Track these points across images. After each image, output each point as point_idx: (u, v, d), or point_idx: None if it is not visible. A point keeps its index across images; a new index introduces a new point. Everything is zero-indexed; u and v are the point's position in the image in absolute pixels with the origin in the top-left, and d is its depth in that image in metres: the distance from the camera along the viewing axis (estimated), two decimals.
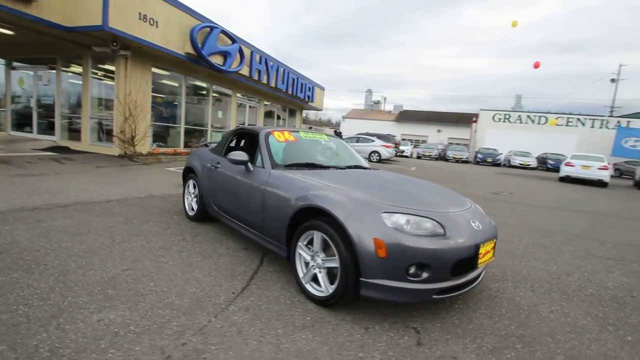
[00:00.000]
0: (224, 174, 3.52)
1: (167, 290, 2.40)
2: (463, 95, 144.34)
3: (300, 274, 2.50)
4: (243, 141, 4.17)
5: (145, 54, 9.26)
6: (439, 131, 40.78)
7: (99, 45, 8.37)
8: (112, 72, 9.49)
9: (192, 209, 4.21)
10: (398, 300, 2.12)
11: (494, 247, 2.48)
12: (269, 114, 17.88)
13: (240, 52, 11.78)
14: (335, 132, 19.74)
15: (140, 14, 8.08)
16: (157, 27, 8.63)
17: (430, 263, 2.06)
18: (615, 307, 2.75)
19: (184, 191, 4.44)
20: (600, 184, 14.22)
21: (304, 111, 22.35)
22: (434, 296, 2.13)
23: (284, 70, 15.15)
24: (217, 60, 10.76)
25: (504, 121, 28.95)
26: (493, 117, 29.38)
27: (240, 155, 3.14)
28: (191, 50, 9.78)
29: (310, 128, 19.50)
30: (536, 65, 18.26)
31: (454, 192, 3.01)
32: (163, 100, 11.22)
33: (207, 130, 12.89)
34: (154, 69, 10.01)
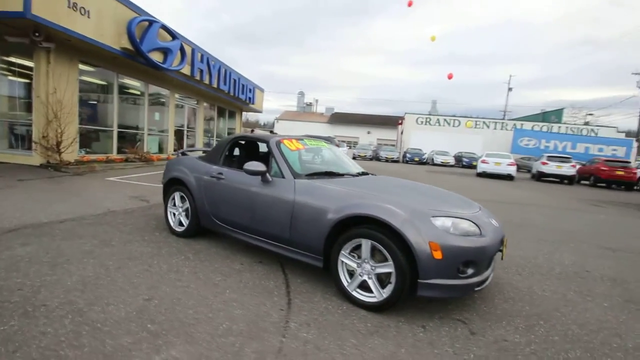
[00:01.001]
0: (231, 186, 3.32)
1: (213, 316, 2.22)
2: (384, 99, 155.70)
3: (345, 283, 2.54)
4: (242, 150, 3.96)
5: (73, 47, 8.03)
6: (369, 132, 43.37)
7: (14, 35, 6.99)
8: (28, 67, 8.00)
9: (181, 224, 3.86)
10: (449, 296, 2.33)
11: None
12: (208, 115, 16.93)
13: (182, 49, 10.98)
14: (270, 132, 19.56)
15: (69, 1, 6.99)
16: (88, 17, 7.56)
17: (476, 260, 2.31)
18: (582, 281, 3.40)
19: (166, 206, 4.04)
20: (509, 177, 16.83)
21: (243, 113, 21.72)
22: (476, 288, 2.39)
23: (225, 71, 14.54)
24: (156, 57, 9.86)
25: (425, 124, 32.17)
26: (417, 120, 32.42)
27: (258, 166, 3.02)
28: (128, 45, 8.79)
29: (252, 131, 19.02)
30: (449, 77, 20.78)
31: (460, 195, 3.35)
32: (92, 100, 9.85)
33: (143, 133, 11.69)
34: (81, 65, 8.72)
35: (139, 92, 11.53)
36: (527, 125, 29.45)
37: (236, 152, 3.98)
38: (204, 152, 5.07)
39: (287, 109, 54.83)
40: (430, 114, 35.44)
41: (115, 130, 10.22)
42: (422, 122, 32.19)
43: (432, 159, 27.14)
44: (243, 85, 16.71)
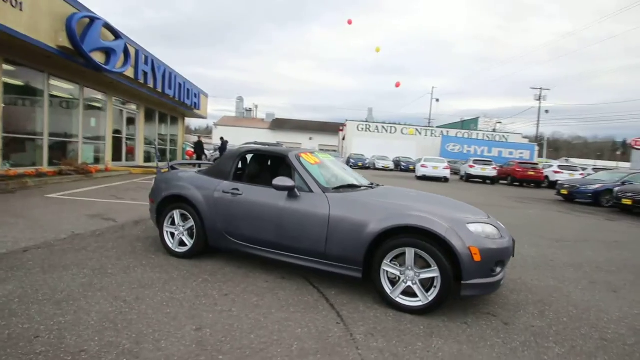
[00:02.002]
0: (252, 202, 3.22)
1: (278, 338, 2.17)
2: (320, 105, 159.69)
3: (388, 290, 2.68)
4: (253, 164, 3.80)
5: None
6: (310, 139, 44.06)
7: None
8: None
9: (183, 245, 3.59)
10: (485, 293, 2.62)
11: None
12: (149, 121, 15.59)
13: (126, 50, 10.05)
14: (221, 139, 18.77)
15: None
16: (21, 9, 6.52)
17: (503, 259, 2.65)
18: (552, 269, 4.04)
19: (162, 225, 3.71)
20: (444, 180, 18.67)
21: (185, 119, 20.47)
22: (501, 284, 2.73)
23: (170, 74, 13.63)
24: (98, 58, 8.87)
25: (366, 130, 33.96)
26: (357, 127, 34.04)
27: (287, 181, 3.00)
28: (67, 44, 7.78)
29: (199, 139, 18.06)
30: (397, 85, 22.43)
31: (464, 203, 3.68)
32: (17, 104, 8.43)
33: (77, 142, 10.34)
34: (5, 65, 7.44)
35: (72, 96, 10.17)
36: (452, 132, 33.11)
37: (247, 165, 3.83)
38: (190, 165, 4.78)
39: (224, 114, 52.98)
40: (367, 121, 37.50)
41: (46, 138, 8.88)
42: (362, 129, 33.92)
43: (374, 164, 28.70)
44: (188, 90, 15.79)
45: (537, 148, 31.01)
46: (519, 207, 10.14)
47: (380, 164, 28.35)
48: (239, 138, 29.94)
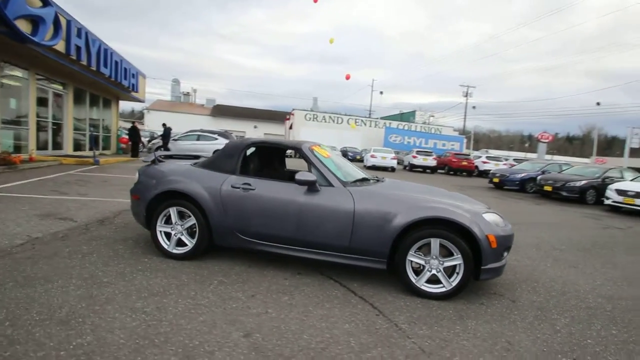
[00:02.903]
0: (268, 197, 3.07)
1: (331, 336, 2.15)
2: (262, 92, 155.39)
3: (413, 279, 2.82)
4: (261, 156, 3.58)
5: None
6: (255, 127, 42.83)
7: None
8: None
9: (181, 245, 3.30)
10: (496, 276, 2.91)
11: None
12: (79, 103, 13.64)
13: (56, 20, 8.61)
14: (163, 126, 17.23)
15: None
16: None
17: (510, 244, 2.96)
18: (521, 250, 4.61)
19: (154, 225, 3.35)
20: (391, 169, 19.78)
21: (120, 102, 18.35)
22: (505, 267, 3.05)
23: (106, 50, 12.05)
24: (24, 27, 7.46)
25: (313, 120, 34.12)
26: (305, 116, 34.02)
27: (309, 176, 2.94)
28: None
29: (134, 124, 16.33)
30: (347, 77, 22.83)
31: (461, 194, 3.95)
32: None
33: None
34: None
35: None
36: (394, 124, 35.07)
37: (251, 157, 3.61)
38: (184, 157, 4.36)
39: (157, 98, 48.63)
40: (315, 111, 37.69)
41: None
42: (310, 118, 34.00)
43: None
44: (126, 70, 14.12)
45: (465, 140, 34.59)
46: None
47: None
48: (177, 125, 27.79)
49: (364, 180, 3.42)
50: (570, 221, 7.59)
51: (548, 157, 33.19)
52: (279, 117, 45.27)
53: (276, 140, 3.58)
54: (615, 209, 9.69)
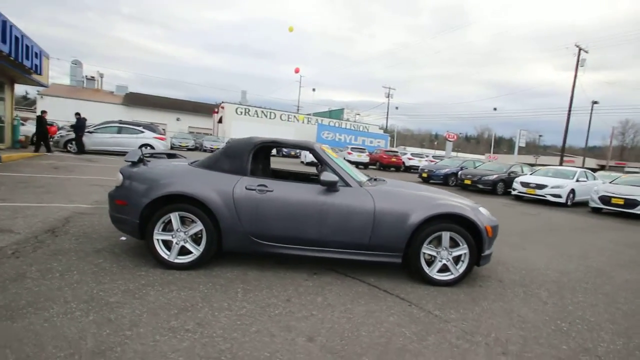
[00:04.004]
0: (287, 199, 2.98)
1: (387, 330, 2.27)
2: (176, 81, 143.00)
3: (427, 270, 3.10)
4: (261, 155, 3.40)
5: None
6: (178, 119, 39.47)
7: None
8: None
9: (185, 253, 3.02)
10: (488, 262, 3.35)
11: None
12: None
13: None
14: (76, 115, 14.73)
15: None
16: None
17: (497, 234, 3.45)
18: (504, 238, 5.33)
19: (150, 233, 2.98)
20: None
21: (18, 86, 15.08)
22: None
23: (4, 23, 9.81)
24: None
25: (245, 114, 32.93)
26: (236, 110, 32.63)
27: (332, 177, 2.97)
28: None
29: (43, 114, 13.68)
30: (296, 71, 22.57)
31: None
32: None
33: None
34: None
35: None
36: (326, 121, 36.06)
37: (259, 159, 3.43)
38: (166, 155, 3.89)
39: (51, 82, 41.20)
40: (248, 105, 36.44)
41: None
42: (241, 112, 32.72)
43: None
44: (27, 47, 11.66)
45: (389, 138, 37.54)
46: None
47: None
48: (84, 113, 24.10)
49: (370, 180, 3.58)
50: (493, 210, 8.97)
51: (453, 154, 37.93)
52: (204, 109, 42.51)
53: (285, 140, 3.48)
54: (519, 198, 11.72)
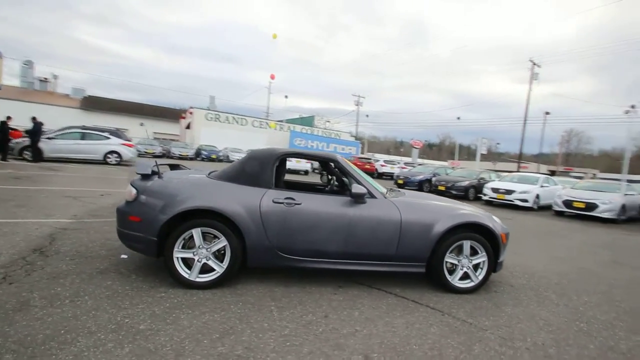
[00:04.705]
0: (316, 212, 2.93)
1: (433, 342, 2.29)
2: (134, 83, 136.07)
3: (449, 278, 3.18)
4: (281, 167, 3.31)
5: None
6: (142, 124, 37.49)
7: None
8: None
9: (206, 272, 2.86)
10: (501, 269, 3.50)
11: None
12: None
13: None
14: (33, 120, 13.50)
15: None
16: None
17: (508, 241, 3.62)
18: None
19: (170, 251, 2.80)
20: (305, 172, 20.39)
21: None
22: None
23: None
24: None
25: (215, 120, 32.02)
26: (206, 116, 31.64)
27: (362, 189, 2.98)
28: None
29: (34, 120, 12.46)
30: (272, 77, 22.27)
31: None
32: None
33: None
34: None
35: None
36: (298, 128, 36.06)
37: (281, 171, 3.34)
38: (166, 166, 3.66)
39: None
40: (212, 110, 35.50)
41: None
42: (211, 118, 31.77)
43: (228, 156, 27.75)
44: None
45: (360, 145, 38.34)
46: None
47: (234, 156, 27.65)
48: (36, 116, 22.23)
49: (389, 191, 3.63)
50: None
51: (420, 160, 39.49)
52: (170, 114, 40.86)
53: (307, 152, 3.43)
54: (489, 203, 12.41)
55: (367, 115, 39.99)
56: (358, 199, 3.01)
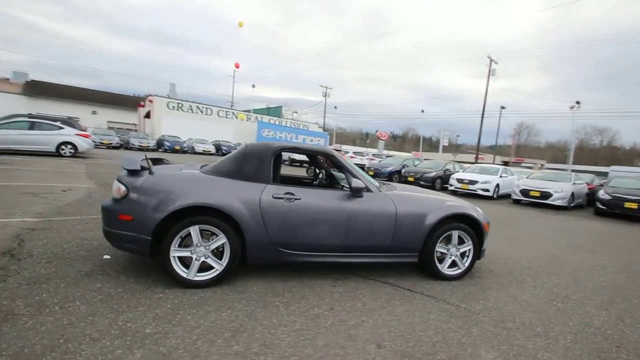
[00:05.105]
0: (316, 207, 2.93)
1: (436, 328, 2.43)
2: (83, 67, 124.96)
3: (439, 267, 3.36)
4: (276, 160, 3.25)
5: None
6: (94, 113, 34.81)
7: None
8: None
9: (205, 270, 2.79)
10: (483, 256, 3.75)
11: None
12: None
13: None
14: None
15: None
16: None
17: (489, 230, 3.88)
18: None
19: (167, 250, 2.68)
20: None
21: None
22: None
23: None
24: None
25: (177, 109, 30.47)
26: (167, 105, 30.00)
27: (360, 183, 3.03)
28: None
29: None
30: (236, 66, 21.36)
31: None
32: None
33: None
34: None
35: None
36: (266, 119, 35.40)
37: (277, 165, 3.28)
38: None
39: None
40: (171, 97, 33.77)
41: None
42: (173, 107, 30.16)
43: (193, 147, 26.67)
44: None
45: (328, 136, 38.54)
46: None
47: (200, 147, 26.67)
48: None
49: (381, 184, 3.72)
50: None
51: (385, 151, 40.57)
52: (126, 102, 38.24)
53: (303, 146, 3.40)
54: (454, 193, 13.11)
55: (336, 107, 40.24)
56: (357, 193, 3.07)
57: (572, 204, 11.18)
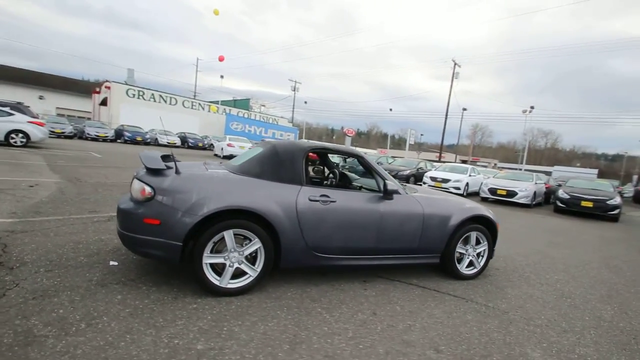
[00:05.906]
0: (352, 209, 2.87)
1: (477, 328, 2.50)
2: (24, 45, 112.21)
3: (458, 266, 3.47)
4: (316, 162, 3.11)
5: None
6: (41, 98, 31.49)
7: None
8: None
9: (238, 276, 2.63)
10: (493, 255, 3.94)
11: None
12: None
13: None
14: None
15: None
16: None
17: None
18: None
19: (200, 256, 2.49)
20: None
21: None
22: None
23: None
24: None
25: (138, 97, 28.45)
26: (127, 92, 27.88)
27: (394, 186, 3.03)
28: None
29: None
30: (221, 59, 20.12)
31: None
32: None
33: None
34: None
35: None
36: (234, 112, 34.24)
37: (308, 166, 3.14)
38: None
39: None
40: (130, 84, 31.53)
41: None
42: (134, 95, 28.07)
43: (156, 139, 25.13)
44: None
45: (298, 131, 38.29)
46: None
47: (164, 139, 25.16)
48: None
49: (403, 186, 3.74)
50: None
51: (352, 148, 41.13)
52: (78, 87, 35.07)
53: (333, 146, 3.30)
54: None
55: (306, 102, 39.93)
56: (389, 195, 3.07)
57: (534, 202, 12.13)
